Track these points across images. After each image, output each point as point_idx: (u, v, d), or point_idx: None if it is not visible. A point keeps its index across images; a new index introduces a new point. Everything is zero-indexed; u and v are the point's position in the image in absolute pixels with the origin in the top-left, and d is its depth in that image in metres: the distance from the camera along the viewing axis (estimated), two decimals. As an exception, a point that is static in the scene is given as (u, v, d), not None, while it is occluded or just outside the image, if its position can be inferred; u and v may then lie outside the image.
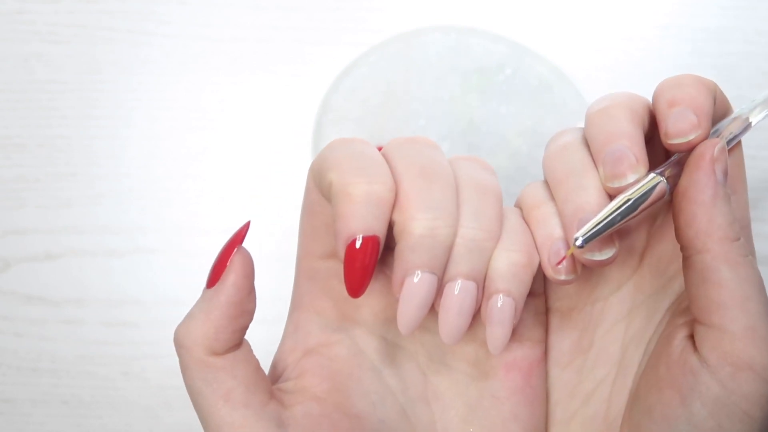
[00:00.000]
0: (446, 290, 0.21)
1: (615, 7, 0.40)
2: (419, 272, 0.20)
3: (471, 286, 0.21)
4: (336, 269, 0.23)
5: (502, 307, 0.21)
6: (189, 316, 0.21)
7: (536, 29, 0.40)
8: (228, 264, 0.21)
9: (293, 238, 0.38)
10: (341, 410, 0.22)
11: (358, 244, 0.20)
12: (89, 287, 0.38)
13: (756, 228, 0.40)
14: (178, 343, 0.21)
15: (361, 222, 0.20)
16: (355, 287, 0.20)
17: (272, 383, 0.23)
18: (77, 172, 0.38)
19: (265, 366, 0.23)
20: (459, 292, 0.21)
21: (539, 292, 0.25)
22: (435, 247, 0.20)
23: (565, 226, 0.21)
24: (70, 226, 0.38)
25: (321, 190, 0.21)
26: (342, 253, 0.20)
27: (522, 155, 0.37)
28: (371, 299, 0.24)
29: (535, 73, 0.37)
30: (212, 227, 0.38)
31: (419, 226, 0.20)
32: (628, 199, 0.20)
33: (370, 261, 0.20)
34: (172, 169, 0.39)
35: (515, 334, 0.24)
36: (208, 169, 0.39)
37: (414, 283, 0.20)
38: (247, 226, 0.22)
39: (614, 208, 0.20)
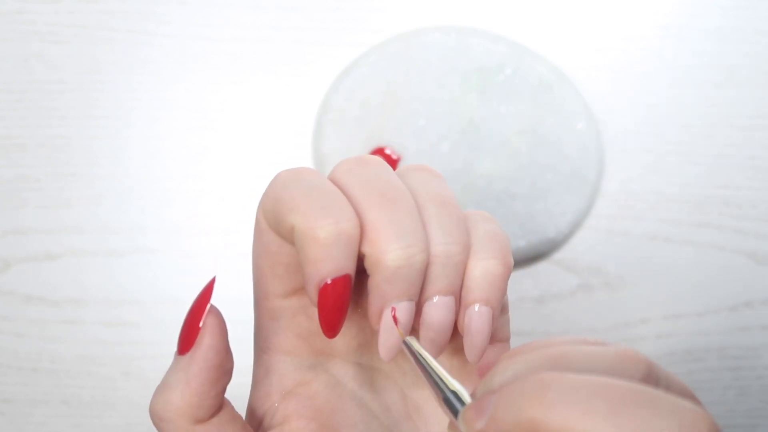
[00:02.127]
0: (426, 309, 0.21)
1: (615, 7, 0.40)
2: (400, 303, 0.20)
3: (449, 301, 0.21)
4: (301, 306, 0.23)
5: (480, 316, 0.21)
6: (165, 387, 0.20)
7: (536, 29, 0.40)
8: (201, 326, 0.20)
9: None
10: None
11: (330, 286, 0.20)
12: (89, 287, 0.38)
13: (756, 228, 0.41)
14: (158, 417, 0.20)
15: (332, 264, 0.19)
16: (331, 327, 0.20)
17: None
18: (77, 172, 0.38)
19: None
20: (439, 309, 0.21)
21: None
22: (411, 275, 0.20)
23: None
24: (70, 226, 0.38)
25: (279, 232, 0.21)
26: (315, 297, 0.20)
27: (522, 155, 0.37)
28: (343, 328, 0.24)
29: (535, 73, 0.37)
30: (212, 227, 0.38)
31: (393, 258, 0.20)
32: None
33: (344, 300, 0.20)
34: (172, 169, 0.39)
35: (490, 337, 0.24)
36: (208, 169, 0.39)
37: (396, 313, 0.20)
38: (212, 283, 0.21)
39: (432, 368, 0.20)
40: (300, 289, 0.23)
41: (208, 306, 0.21)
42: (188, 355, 0.20)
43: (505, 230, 0.23)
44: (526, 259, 0.38)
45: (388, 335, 0.20)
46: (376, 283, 0.20)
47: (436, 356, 0.21)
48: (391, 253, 0.20)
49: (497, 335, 0.24)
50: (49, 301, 0.38)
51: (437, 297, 0.21)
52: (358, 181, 0.21)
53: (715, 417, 0.24)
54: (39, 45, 0.39)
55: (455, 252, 0.21)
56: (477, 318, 0.21)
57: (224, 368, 0.21)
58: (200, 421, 0.20)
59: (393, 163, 0.36)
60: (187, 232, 0.38)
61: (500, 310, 0.22)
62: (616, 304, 0.39)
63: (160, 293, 0.37)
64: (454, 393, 0.18)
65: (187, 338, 0.20)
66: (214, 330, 0.20)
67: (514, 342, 0.41)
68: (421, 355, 0.20)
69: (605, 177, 0.39)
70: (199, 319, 0.20)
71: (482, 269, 0.21)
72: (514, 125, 0.37)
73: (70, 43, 0.39)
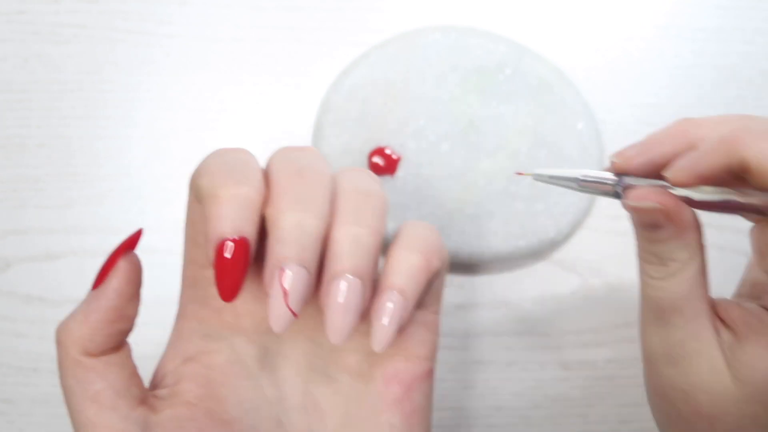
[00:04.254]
0: (330, 288, 0.20)
1: (615, 7, 0.40)
2: (290, 265, 0.20)
3: (356, 282, 0.20)
4: None
5: (391, 301, 0.21)
6: (70, 315, 0.22)
7: (536, 29, 0.40)
8: (113, 268, 0.21)
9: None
10: (211, 416, 0.23)
11: (227, 246, 0.20)
12: (89, 287, 0.38)
13: (756, 228, 0.40)
14: (57, 340, 0.22)
15: (229, 223, 0.20)
16: (226, 290, 0.20)
17: (153, 389, 0.23)
18: (77, 172, 0.38)
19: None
20: (343, 288, 0.20)
21: (431, 306, 0.25)
22: (304, 239, 0.20)
23: None
24: (70, 226, 0.38)
25: (196, 197, 0.21)
26: (212, 256, 0.20)
27: (522, 155, 0.37)
28: (253, 307, 0.24)
29: (535, 73, 0.37)
30: (212, 227, 0.38)
31: (288, 218, 0.20)
32: (583, 177, 0.24)
33: (240, 263, 0.20)
34: (172, 169, 0.39)
35: (402, 347, 0.24)
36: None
37: (284, 277, 0.20)
38: (139, 233, 0.22)
39: (567, 175, 0.24)
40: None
41: (127, 252, 0.22)
42: (95, 290, 0.22)
43: (440, 237, 0.23)
44: (526, 259, 0.38)
45: (276, 302, 0.20)
46: (270, 244, 0.20)
47: (340, 343, 0.21)
48: (285, 214, 0.20)
49: (406, 345, 0.24)
50: (49, 301, 0.38)
51: (343, 277, 0.20)
52: (283, 158, 0.22)
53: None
54: (39, 45, 0.39)
55: (363, 234, 0.21)
56: (387, 304, 0.21)
57: (124, 312, 0.22)
58: (89, 354, 0.22)
59: (393, 163, 0.36)
60: (187, 232, 0.38)
61: (414, 301, 0.22)
62: (616, 304, 0.39)
63: (160, 293, 0.37)
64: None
65: (100, 276, 0.22)
66: (122, 275, 0.21)
67: (524, 341, 0.41)
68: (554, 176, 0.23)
69: (605, 177, 0.39)
70: (114, 262, 0.22)
71: (403, 258, 0.21)
72: (514, 125, 0.37)
73: (70, 43, 0.39)
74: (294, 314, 0.20)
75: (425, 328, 0.25)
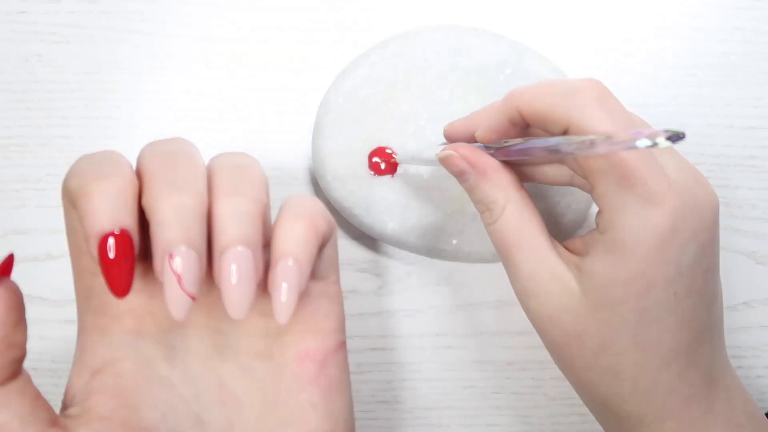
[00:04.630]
0: (221, 262, 0.20)
1: (615, 7, 0.40)
2: (177, 248, 0.19)
3: (245, 251, 0.20)
4: None
5: (285, 270, 0.21)
6: None
7: (536, 29, 0.40)
8: None
9: (293, 238, 0.38)
10: (128, 426, 0.22)
11: (109, 241, 0.19)
12: None
13: (756, 227, 0.41)
14: None
15: (106, 216, 0.19)
16: (117, 286, 0.20)
17: (64, 410, 0.23)
18: (77, 172, 0.38)
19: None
20: (231, 258, 0.20)
21: (329, 277, 0.25)
22: (185, 218, 0.19)
23: None
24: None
25: (70, 202, 0.21)
26: (95, 253, 0.19)
27: (522, 155, 0.37)
28: (151, 307, 0.23)
29: (535, 73, 0.37)
30: (212, 227, 0.38)
31: (165, 202, 0.19)
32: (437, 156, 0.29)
33: (126, 255, 0.19)
34: (172, 169, 0.39)
35: (309, 323, 0.24)
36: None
37: (173, 262, 0.19)
38: (10, 259, 0.21)
39: (425, 157, 0.31)
40: None
41: (2, 280, 0.21)
42: None
43: (322, 205, 0.23)
44: (526, 259, 0.38)
45: (171, 288, 0.19)
46: (153, 232, 0.20)
47: (240, 317, 0.20)
48: (162, 197, 0.19)
49: (312, 320, 0.24)
50: (49, 301, 0.38)
51: (230, 248, 0.20)
52: (150, 149, 0.22)
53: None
54: (40, 45, 0.39)
55: (243, 202, 0.20)
56: (282, 271, 0.21)
57: (10, 341, 0.21)
58: None
59: (393, 162, 0.36)
60: (187, 232, 0.38)
61: (309, 266, 0.21)
62: (616, 304, 0.39)
63: (161, 293, 0.37)
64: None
65: None
66: (2, 303, 0.20)
67: (524, 341, 0.41)
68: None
69: (605, 177, 0.39)
70: None
71: (289, 227, 0.21)
72: (514, 125, 0.37)
73: (70, 43, 0.39)
74: (192, 297, 0.20)
75: (329, 299, 0.25)
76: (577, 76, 0.39)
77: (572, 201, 0.37)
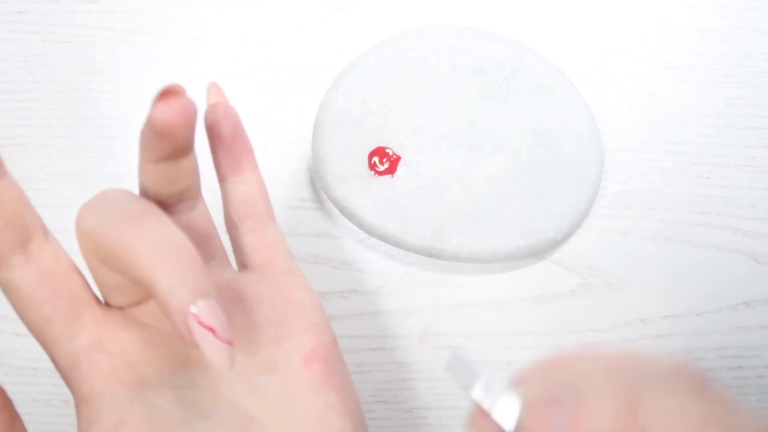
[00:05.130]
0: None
1: (615, 7, 0.40)
2: (198, 306, 0.19)
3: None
4: (94, 342, 0.22)
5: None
6: None
7: (536, 29, 0.40)
8: None
9: (292, 238, 0.38)
10: None
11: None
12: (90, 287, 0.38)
13: (756, 227, 0.41)
14: None
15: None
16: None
17: None
18: (77, 172, 0.38)
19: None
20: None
21: (289, 266, 0.26)
22: (188, 276, 0.19)
23: None
24: (70, 227, 0.38)
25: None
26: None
27: (522, 155, 0.37)
28: (149, 354, 0.22)
29: (535, 73, 0.37)
30: (212, 227, 0.38)
31: (160, 271, 0.19)
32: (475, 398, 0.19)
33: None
34: (172, 169, 0.39)
35: (303, 320, 0.24)
36: (208, 169, 0.39)
37: (201, 319, 0.19)
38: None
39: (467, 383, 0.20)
40: (85, 328, 0.22)
41: None
42: None
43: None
44: (526, 259, 0.38)
45: (208, 344, 0.19)
46: (164, 302, 0.19)
47: (231, 368, 0.20)
48: (154, 268, 0.19)
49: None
50: (49, 301, 0.38)
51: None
52: (109, 221, 0.21)
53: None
54: (39, 45, 0.39)
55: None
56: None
57: None
58: None
59: (393, 163, 0.36)
60: (187, 232, 0.38)
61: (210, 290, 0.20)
62: (616, 304, 0.39)
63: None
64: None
65: None
66: None
67: (524, 341, 0.41)
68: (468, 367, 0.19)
69: (605, 177, 0.39)
70: None
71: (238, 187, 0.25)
72: (514, 125, 0.37)
73: (70, 43, 0.39)
74: (230, 343, 0.19)
75: (307, 292, 0.25)
76: (578, 76, 0.39)
77: (572, 201, 0.37)
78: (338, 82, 0.37)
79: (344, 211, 0.37)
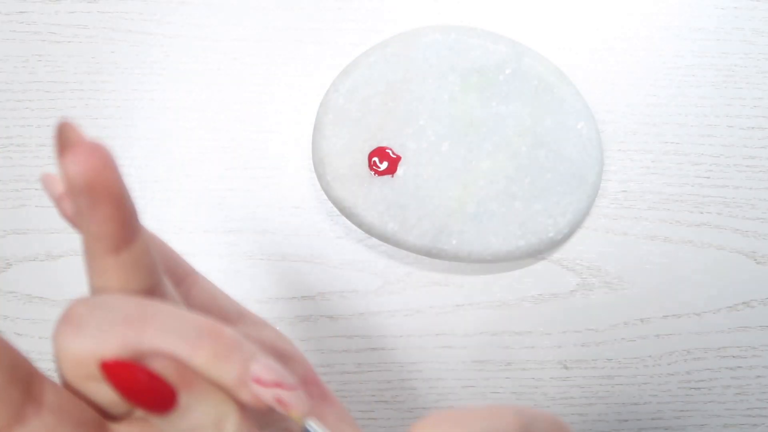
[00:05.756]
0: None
1: (615, 7, 0.40)
2: (255, 369, 0.18)
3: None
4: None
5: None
6: None
7: (536, 29, 0.40)
8: None
9: (292, 238, 0.38)
10: None
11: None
12: (89, 287, 0.38)
13: (756, 227, 0.41)
14: None
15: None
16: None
17: None
18: (77, 172, 0.38)
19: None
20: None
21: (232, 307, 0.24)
22: (230, 346, 0.19)
23: None
24: (70, 226, 0.38)
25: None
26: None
27: (522, 155, 0.37)
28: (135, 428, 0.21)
29: (535, 73, 0.37)
30: (212, 227, 0.38)
31: (203, 356, 0.19)
32: None
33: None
34: (172, 169, 0.39)
35: (280, 347, 0.24)
36: (208, 169, 0.39)
37: (262, 379, 0.18)
38: None
39: None
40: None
41: None
42: None
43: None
44: (526, 259, 0.38)
45: (283, 399, 0.18)
46: (220, 378, 0.18)
47: (309, 413, 0.19)
48: (196, 353, 0.18)
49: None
50: (49, 301, 0.38)
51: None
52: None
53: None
54: (39, 45, 0.39)
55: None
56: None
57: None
58: None
59: (393, 163, 0.36)
60: (187, 232, 0.38)
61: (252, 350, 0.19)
62: (616, 304, 0.39)
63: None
64: None
65: None
66: None
67: (524, 341, 0.41)
68: None
69: (605, 177, 0.39)
70: None
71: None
72: (514, 125, 0.37)
73: (70, 43, 0.39)
74: (297, 388, 0.19)
75: (263, 326, 0.24)
76: (578, 76, 0.39)
77: (572, 201, 0.37)
78: (338, 82, 0.37)
79: (344, 211, 0.37)
